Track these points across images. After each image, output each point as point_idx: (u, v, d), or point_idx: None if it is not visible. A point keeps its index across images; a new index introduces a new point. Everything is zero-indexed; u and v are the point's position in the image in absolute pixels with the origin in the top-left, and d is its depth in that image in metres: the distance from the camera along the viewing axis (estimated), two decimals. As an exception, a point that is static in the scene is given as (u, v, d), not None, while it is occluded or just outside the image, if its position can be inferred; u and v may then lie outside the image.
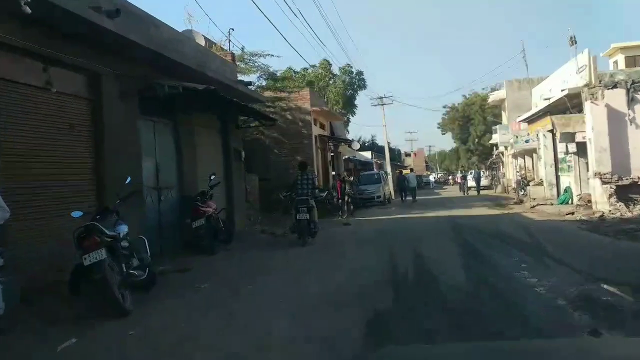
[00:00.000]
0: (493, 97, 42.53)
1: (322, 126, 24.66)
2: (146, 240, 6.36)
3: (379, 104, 36.17)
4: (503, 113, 45.81)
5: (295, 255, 9.27)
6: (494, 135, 43.91)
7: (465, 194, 29.66)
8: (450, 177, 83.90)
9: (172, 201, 9.40)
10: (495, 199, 25.35)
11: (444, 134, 66.16)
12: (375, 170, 29.51)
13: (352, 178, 19.21)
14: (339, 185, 19.00)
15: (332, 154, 28.04)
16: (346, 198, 17.95)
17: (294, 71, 36.72)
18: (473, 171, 30.77)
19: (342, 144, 27.63)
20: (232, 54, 15.01)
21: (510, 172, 42.32)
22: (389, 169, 34.60)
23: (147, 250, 6.21)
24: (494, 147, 57.76)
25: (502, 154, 48.50)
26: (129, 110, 8.18)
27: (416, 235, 11.37)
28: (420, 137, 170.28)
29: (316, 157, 22.91)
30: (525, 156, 30.60)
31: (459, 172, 33.58)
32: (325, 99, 36.44)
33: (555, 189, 20.47)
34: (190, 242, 8.98)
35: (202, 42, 12.42)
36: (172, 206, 9.34)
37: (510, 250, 8.55)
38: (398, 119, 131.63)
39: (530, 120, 20.56)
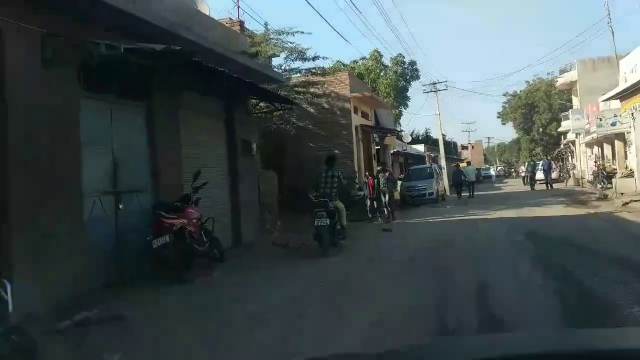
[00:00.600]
0: (562, 80, 37.77)
1: (364, 115, 21.80)
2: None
3: (432, 91, 32.62)
4: (574, 98, 40.81)
5: (301, 285, 6.57)
6: (563, 123, 39.13)
7: (532, 188, 25.78)
8: (512, 170, 77.96)
9: (138, 210, 6.96)
10: (570, 194, 21.43)
11: (505, 124, 61.07)
12: (427, 164, 26.22)
13: (387, 172, 16.08)
14: (370, 183, 16.05)
15: (377, 147, 25.12)
16: (385, 197, 14.98)
17: (343, 64, 34.83)
18: (542, 161, 26.74)
19: (389, 135, 24.57)
20: (241, 23, 12.48)
21: (582, 162, 37.47)
22: (443, 162, 31.13)
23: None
24: (562, 136, 52.32)
25: (573, 143, 43.38)
26: (62, 85, 5.79)
27: (478, 252, 8.36)
28: (479, 127, 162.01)
29: (357, 150, 20.11)
30: (604, 144, 26.23)
31: (525, 163, 29.52)
32: (377, 92, 34.27)
33: (651, 182, 16.59)
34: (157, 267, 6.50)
35: (206, 11, 10.02)
36: (139, 217, 6.89)
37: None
38: (454, 110, 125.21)
39: (623, 96, 16.71)
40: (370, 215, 15.41)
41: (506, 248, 8.53)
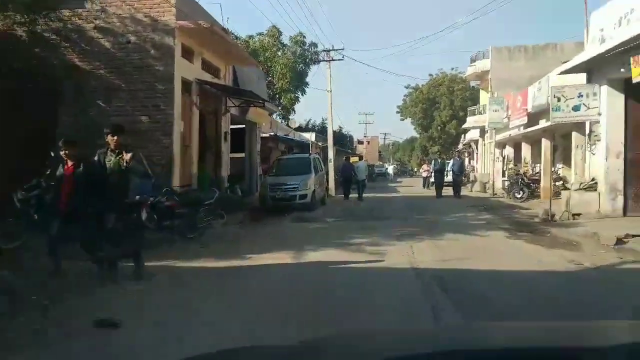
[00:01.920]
0: (472, 70, 33.11)
1: (211, 70, 13.90)
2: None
3: (325, 60, 25.72)
4: (483, 93, 36.68)
5: None
6: (469, 118, 34.69)
7: (439, 195, 19.56)
8: (411, 169, 75.15)
9: None
10: (491, 207, 15.59)
11: (403, 119, 56.69)
12: (305, 154, 19.03)
13: (129, 154, 6.35)
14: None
15: (240, 126, 17.39)
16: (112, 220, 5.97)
17: (236, 36, 29.43)
18: (453, 160, 20.85)
19: (255, 106, 16.77)
20: None
21: (486, 165, 33.22)
22: (331, 153, 24.31)
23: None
24: (463, 136, 49.04)
25: (476, 143, 39.60)
26: None
27: None
28: (377, 121, 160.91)
29: (187, 121, 12.20)
30: (523, 144, 21.24)
31: (432, 161, 23.59)
32: (271, 72, 31.03)
33: (621, 198, 10.91)
34: None
35: None
36: None
37: None
38: (353, 104, 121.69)
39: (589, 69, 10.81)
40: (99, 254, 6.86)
41: None
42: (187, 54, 12.27)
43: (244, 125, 19.01)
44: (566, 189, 18.93)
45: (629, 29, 9.70)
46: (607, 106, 11.13)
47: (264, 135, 22.16)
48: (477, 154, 38.03)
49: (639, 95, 10.87)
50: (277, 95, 34.72)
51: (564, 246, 7.81)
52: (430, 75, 52.07)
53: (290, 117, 36.65)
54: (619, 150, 11.02)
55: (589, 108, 11.30)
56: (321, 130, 52.51)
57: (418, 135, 59.63)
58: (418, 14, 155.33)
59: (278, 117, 37.11)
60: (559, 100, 11.42)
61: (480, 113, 32.64)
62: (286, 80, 32.89)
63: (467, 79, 34.00)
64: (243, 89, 14.87)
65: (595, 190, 11.38)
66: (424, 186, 25.68)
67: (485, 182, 25.99)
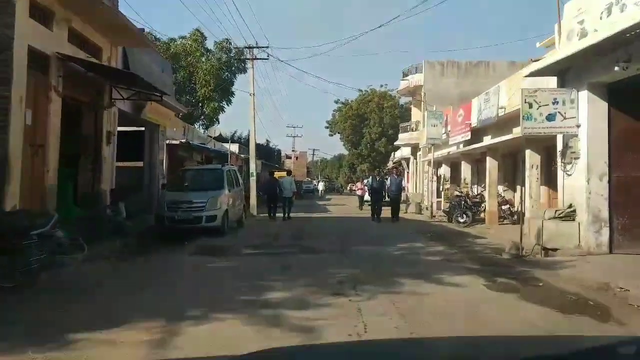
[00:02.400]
0: (405, 84, 31.51)
1: (86, 47, 10.32)
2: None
3: (248, 58, 22.67)
4: (415, 110, 35.28)
5: None
6: (401, 135, 33.06)
7: (377, 216, 16.73)
8: (342, 186, 73.30)
9: None
10: (438, 235, 13.21)
11: (332, 134, 54.71)
12: (218, 165, 15.61)
13: None
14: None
15: (136, 128, 13.71)
16: None
17: (156, 38, 28.03)
18: (390, 177, 18.33)
19: (153, 100, 13.13)
20: None
21: (419, 185, 31.59)
22: (253, 165, 21.08)
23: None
24: (393, 154, 47.80)
25: (407, 161, 38.14)
26: None
27: None
28: (306, 138, 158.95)
29: (43, 113, 8.53)
30: (463, 162, 19.45)
31: (369, 177, 20.97)
32: (193, 77, 29.48)
33: (606, 230, 8.81)
34: None
35: None
36: None
37: None
38: (281, 117, 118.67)
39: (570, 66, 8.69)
40: None
41: None
42: (42, 15, 8.65)
43: (143, 128, 15.38)
44: (512, 214, 17.28)
45: (624, 16, 7.62)
46: (587, 116, 9.05)
47: (173, 142, 18.54)
48: (408, 172, 36.56)
49: (624, 103, 8.93)
50: (200, 104, 32.01)
51: (582, 309, 5.23)
52: (360, 90, 50.63)
53: (214, 127, 33.32)
54: (602, 170, 8.94)
55: (565, 118, 9.17)
56: (247, 143, 49.13)
57: (347, 152, 57.90)
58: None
59: (201, 127, 33.77)
60: (530, 106, 9.18)
61: (412, 130, 31.12)
62: (209, 88, 30.18)
63: (399, 93, 32.35)
64: (132, 72, 11.31)
65: (573, 219, 9.20)
66: (360, 207, 23.21)
67: (418, 201, 24.05)
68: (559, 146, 9.83)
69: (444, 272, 7.20)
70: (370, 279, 6.57)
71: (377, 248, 10.07)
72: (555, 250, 9.01)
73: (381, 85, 50.04)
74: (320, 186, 49.35)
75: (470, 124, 16.91)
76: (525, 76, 10.86)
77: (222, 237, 11.41)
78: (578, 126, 9.21)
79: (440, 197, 22.13)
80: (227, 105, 33.50)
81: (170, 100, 14.49)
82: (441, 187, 21.93)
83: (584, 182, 9.02)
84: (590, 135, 9.03)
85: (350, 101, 51.11)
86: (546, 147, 12.31)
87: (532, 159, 12.87)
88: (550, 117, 9.18)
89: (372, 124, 48.14)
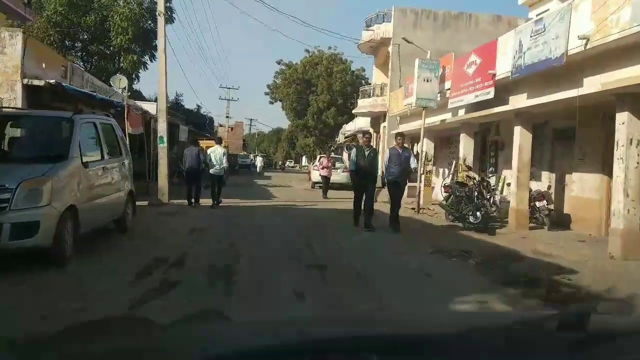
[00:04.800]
0: (368, 35, 25.23)
1: None
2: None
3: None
4: (377, 72, 29.14)
5: None
6: (360, 101, 27.17)
7: (364, 221, 10.30)
8: (280, 162, 66.74)
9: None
10: (467, 249, 7.57)
11: (273, 102, 47.92)
12: (63, 114, 8.37)
13: None
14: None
15: None
16: None
17: None
18: (389, 153, 11.27)
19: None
20: None
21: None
22: (163, 125, 14.15)
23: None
24: (343, 126, 41.95)
25: (368, 134, 32.06)
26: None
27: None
28: (243, 105, 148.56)
29: None
30: (462, 136, 13.94)
31: (352, 149, 14.17)
32: (108, 24, 24.66)
33: None
34: None
35: None
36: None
37: None
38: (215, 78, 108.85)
39: None
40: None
41: None
42: None
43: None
44: (549, 215, 11.45)
45: None
46: None
47: (35, 82, 11.42)
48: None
49: None
50: (116, 56, 26.47)
51: None
52: (307, 51, 44.15)
53: (118, 76, 26.26)
54: None
55: None
56: (175, 107, 41.30)
57: (290, 123, 51.42)
58: None
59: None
60: None
61: (377, 95, 25.35)
62: (127, 37, 24.61)
63: (360, 48, 26.23)
64: None
65: None
66: (324, 194, 16.76)
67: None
68: None
69: None
70: None
71: (398, 303, 4.13)
72: None
73: (329, 47, 43.76)
74: (259, 162, 42.84)
75: (495, 74, 11.26)
76: None
77: (56, 274, 5.05)
78: None
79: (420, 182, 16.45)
80: (151, 61, 27.74)
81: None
82: (422, 169, 15.81)
83: None
84: None
85: (295, 63, 44.53)
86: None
87: (631, 128, 7.48)
88: None
89: (320, 91, 41.97)
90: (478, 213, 10.60)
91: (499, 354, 1.08)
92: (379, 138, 26.41)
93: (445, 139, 17.58)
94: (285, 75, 43.93)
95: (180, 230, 8.56)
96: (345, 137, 35.90)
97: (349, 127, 35.66)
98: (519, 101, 10.98)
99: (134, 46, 26.00)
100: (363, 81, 41.11)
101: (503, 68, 11.20)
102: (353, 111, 28.87)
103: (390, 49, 23.63)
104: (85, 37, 26.49)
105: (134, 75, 27.84)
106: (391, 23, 23.53)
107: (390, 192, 9.69)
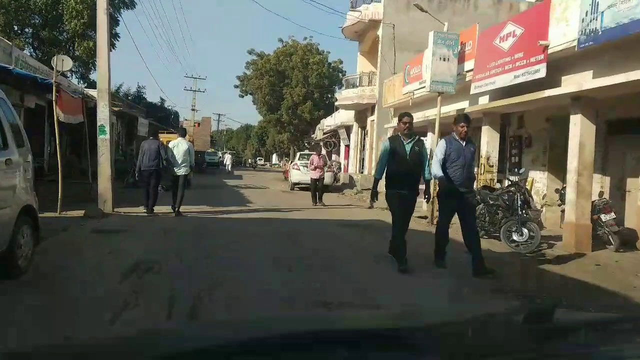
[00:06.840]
0: (354, 17, 22.38)
1: None
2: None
3: None
4: (362, 60, 26.33)
5: None
6: (344, 91, 24.36)
7: (318, 201, 7.89)
8: (249, 160, 63.26)
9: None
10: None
11: (244, 95, 44.57)
12: None
13: None
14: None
15: None
16: None
17: None
18: (445, 142, 8.06)
19: None
20: None
21: (367, 162, 23.33)
22: (104, 111, 10.92)
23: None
24: (321, 121, 39.07)
25: (348, 129, 29.37)
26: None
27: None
28: (210, 95, 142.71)
29: None
30: (484, 128, 11.24)
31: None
32: (61, 7, 22.17)
33: None
34: None
35: None
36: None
37: None
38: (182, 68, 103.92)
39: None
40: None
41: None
42: None
43: None
44: (618, 231, 7.80)
45: None
46: None
47: None
48: (347, 146, 28.16)
49: None
50: (69, 43, 23.79)
51: None
52: (281, 40, 41.02)
53: (61, 55, 22.81)
54: None
55: None
56: (137, 100, 37.58)
57: (261, 118, 48.14)
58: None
59: (73, 75, 25.06)
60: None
61: (364, 85, 22.61)
62: (82, 21, 22.27)
63: (344, 32, 23.39)
64: None
65: None
66: (314, 200, 13.48)
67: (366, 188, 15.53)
68: None
69: None
70: None
71: None
72: None
73: (305, 38, 40.77)
74: (227, 159, 39.54)
75: (547, 46, 8.60)
76: None
77: None
78: None
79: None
80: (117, 40, 25.18)
81: None
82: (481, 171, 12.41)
83: None
84: None
85: (268, 54, 41.33)
86: None
87: None
88: None
89: (295, 84, 38.95)
90: (525, 230, 7.98)
91: (467, 346, 1.08)
92: (366, 134, 23.68)
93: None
94: (257, 65, 40.65)
95: (112, 270, 5.31)
96: (325, 133, 33.06)
97: (329, 122, 32.86)
98: (581, 81, 8.37)
99: (90, 32, 22.59)
100: (340, 74, 38.41)
101: (558, 38, 8.57)
102: (336, 103, 26.02)
103: (380, 32, 20.93)
104: (36, 21, 23.20)
105: (90, 64, 24.51)
106: (381, 3, 20.81)
107: (452, 208, 6.16)
